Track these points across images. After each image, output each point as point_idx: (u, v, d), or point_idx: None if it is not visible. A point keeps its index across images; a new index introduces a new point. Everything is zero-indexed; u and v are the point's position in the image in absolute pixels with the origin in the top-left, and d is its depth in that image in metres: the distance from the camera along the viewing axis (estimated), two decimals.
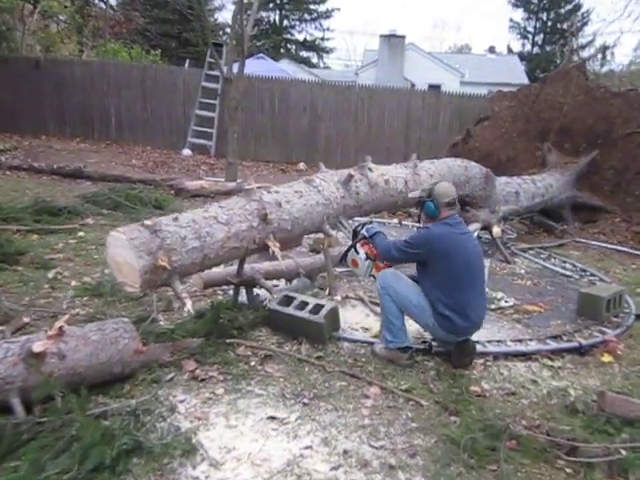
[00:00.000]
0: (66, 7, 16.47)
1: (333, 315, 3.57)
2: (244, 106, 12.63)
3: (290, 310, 3.56)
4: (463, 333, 3.30)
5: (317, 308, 3.54)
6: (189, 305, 2.89)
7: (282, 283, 4.54)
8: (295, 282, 4.57)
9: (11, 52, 14.44)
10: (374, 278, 3.55)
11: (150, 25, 23.78)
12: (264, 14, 40.65)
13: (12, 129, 12.65)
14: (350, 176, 3.89)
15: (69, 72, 13.13)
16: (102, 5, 20.36)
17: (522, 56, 33.96)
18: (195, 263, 2.91)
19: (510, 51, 36.96)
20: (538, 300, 4.71)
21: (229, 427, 2.60)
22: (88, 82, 13.11)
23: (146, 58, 17.48)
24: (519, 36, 37.64)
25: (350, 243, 3.59)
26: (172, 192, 8.31)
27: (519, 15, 37.72)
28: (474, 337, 3.68)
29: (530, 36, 37.22)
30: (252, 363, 3.22)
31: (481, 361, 3.45)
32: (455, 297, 3.20)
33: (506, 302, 4.52)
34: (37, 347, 2.51)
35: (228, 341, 3.42)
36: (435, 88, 19.59)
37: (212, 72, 12.39)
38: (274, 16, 41.01)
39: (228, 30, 8.99)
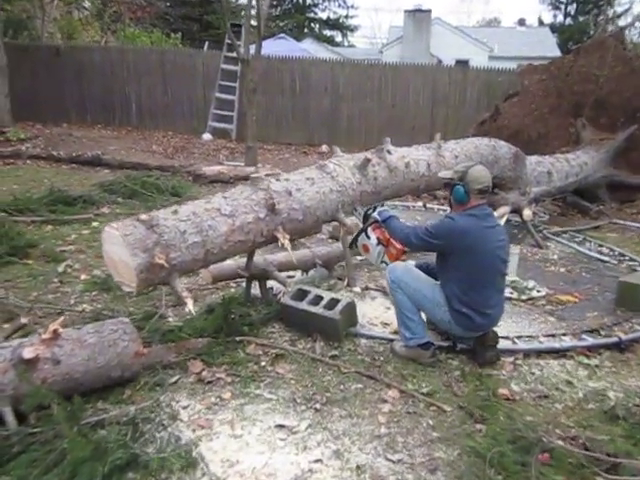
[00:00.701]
0: None
1: (350, 310, 3.34)
2: (264, 88, 12.39)
3: (304, 305, 3.34)
4: (482, 330, 3.07)
5: (332, 303, 3.31)
6: (190, 305, 2.69)
7: (298, 274, 4.33)
8: (312, 273, 4.35)
9: (32, 40, 14.43)
10: (385, 265, 3.30)
11: (171, 9, 23.58)
12: None
13: (34, 117, 12.65)
14: (367, 160, 3.62)
15: (88, 59, 13.03)
16: None
17: (554, 28, 32.69)
18: (197, 259, 2.70)
19: (541, 23, 35.60)
20: (572, 289, 4.39)
21: (234, 437, 2.41)
22: (108, 68, 13.01)
23: (166, 42, 17.29)
24: (550, 7, 36.35)
25: (361, 227, 3.33)
26: (190, 178, 8.15)
27: None
28: (504, 332, 3.43)
29: (562, 7, 35.81)
30: (262, 363, 3.02)
31: (510, 359, 3.18)
32: (471, 295, 2.97)
33: (538, 292, 4.21)
34: (28, 353, 2.35)
35: (238, 339, 3.23)
36: (463, 64, 18.96)
37: (231, 54, 12.10)
38: None
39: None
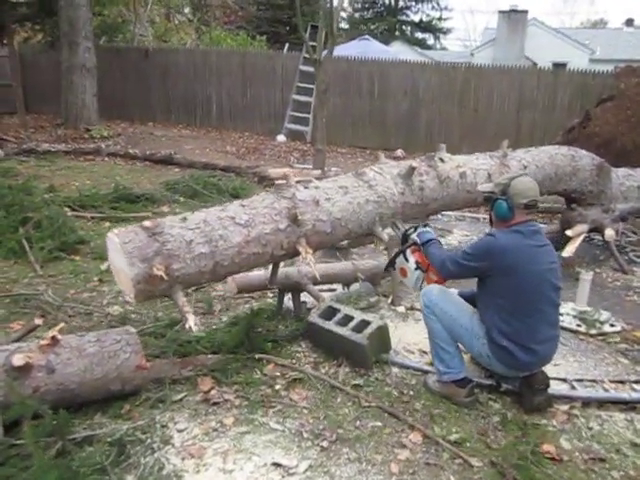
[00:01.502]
0: None
1: (381, 335, 3.00)
2: (341, 90, 12.17)
3: (330, 325, 3.05)
4: (527, 369, 2.64)
5: (362, 325, 2.99)
6: (191, 322, 2.49)
7: (340, 288, 4.04)
8: (354, 287, 4.05)
9: (126, 43, 15.16)
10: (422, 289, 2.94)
11: (261, 12, 24.04)
12: None
13: (122, 116, 13.26)
14: (412, 169, 3.25)
15: (174, 61, 13.45)
16: None
17: None
18: (203, 272, 2.49)
19: None
20: None
21: (223, 472, 2.17)
22: (191, 70, 13.34)
23: (251, 44, 17.56)
24: None
25: (399, 249, 2.99)
26: (255, 180, 8.09)
27: None
28: (562, 374, 2.96)
29: None
30: (277, 387, 2.77)
31: (565, 408, 2.70)
32: (513, 325, 2.56)
33: (612, 326, 3.64)
34: (17, 360, 2.25)
35: (258, 356, 3.00)
36: (560, 67, 17.71)
37: (309, 55, 12.00)
38: None
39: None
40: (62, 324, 2.65)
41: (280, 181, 2.93)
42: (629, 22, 30.94)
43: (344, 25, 37.13)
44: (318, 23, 12.07)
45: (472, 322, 2.65)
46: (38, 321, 2.83)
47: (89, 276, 4.21)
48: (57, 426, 2.20)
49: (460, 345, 2.73)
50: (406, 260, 2.94)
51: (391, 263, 3.03)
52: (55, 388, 2.35)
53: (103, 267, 4.38)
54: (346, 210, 2.95)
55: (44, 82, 13.34)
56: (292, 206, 2.73)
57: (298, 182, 3.07)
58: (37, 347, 2.39)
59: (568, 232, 4.69)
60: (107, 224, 5.60)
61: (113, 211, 5.94)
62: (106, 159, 9.10)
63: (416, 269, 2.90)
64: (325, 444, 2.35)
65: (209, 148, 10.93)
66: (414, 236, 2.92)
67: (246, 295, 3.90)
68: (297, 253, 2.79)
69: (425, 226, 2.97)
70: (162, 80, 13.46)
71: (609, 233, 4.83)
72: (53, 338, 2.40)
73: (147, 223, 2.44)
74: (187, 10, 22.29)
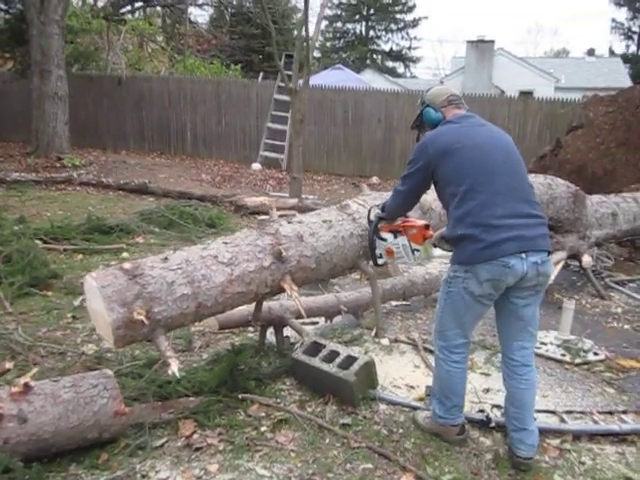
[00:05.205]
0: (151, 25, 16.96)
1: (367, 371, 2.93)
2: (316, 118, 12.27)
3: (316, 362, 2.97)
4: (503, 252, 2.23)
5: (348, 361, 2.92)
6: (174, 367, 2.38)
7: (322, 321, 3.97)
8: (337, 320, 3.99)
9: (99, 71, 15.05)
10: (418, 252, 2.90)
11: (234, 41, 24.24)
12: (350, 26, 40.65)
13: (95, 144, 13.09)
14: None
15: (148, 88, 13.41)
16: (191, 24, 20.90)
17: (626, 58, 31.24)
18: (186, 313, 2.40)
19: (612, 53, 34.17)
20: (638, 352, 3.79)
21: None
22: (165, 98, 13.31)
23: (226, 73, 17.63)
24: (622, 37, 34.84)
25: (369, 238, 2.97)
26: (232, 209, 8.01)
27: (623, 15, 34.98)
28: (551, 406, 2.92)
29: (635, 36, 34.27)
30: (263, 428, 2.66)
31: (556, 442, 2.66)
32: (467, 207, 2.28)
33: (595, 354, 3.64)
34: None
35: (241, 396, 2.89)
36: (527, 95, 18.24)
37: (284, 84, 12.10)
38: (360, 27, 40.89)
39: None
40: (35, 369, 2.51)
41: (263, 216, 2.87)
42: (590, 52, 32.29)
43: (316, 54, 37.86)
44: (292, 52, 12.24)
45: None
46: (9, 365, 2.69)
47: (62, 312, 4.05)
48: None
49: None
50: (384, 240, 2.91)
51: (374, 256, 2.98)
52: (27, 439, 2.20)
53: (76, 303, 4.25)
54: (331, 244, 2.91)
55: (14, 110, 13.11)
56: (276, 242, 2.67)
57: (281, 216, 3.02)
58: (8, 395, 2.25)
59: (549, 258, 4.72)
60: (80, 256, 5.45)
61: (86, 243, 5.78)
62: (78, 188, 8.94)
63: (395, 238, 2.86)
64: None
65: (184, 176, 10.84)
66: (372, 216, 2.94)
67: (226, 330, 3.80)
68: (282, 290, 2.73)
69: (377, 206, 3.00)
70: (136, 108, 13.38)
71: (586, 259, 4.89)
72: (25, 385, 2.27)
73: (127, 265, 2.34)
74: (160, 38, 22.37)
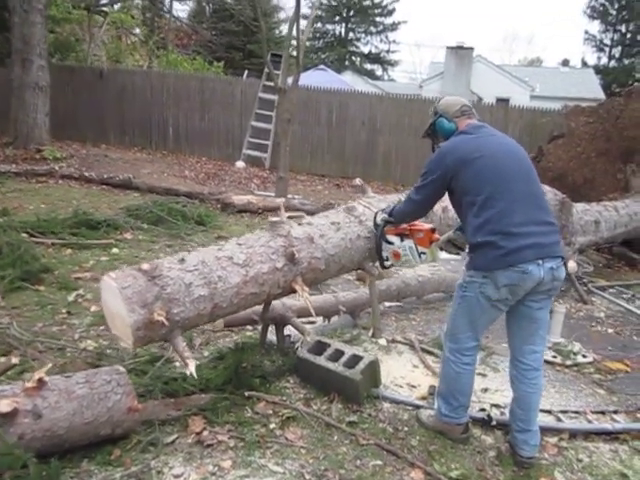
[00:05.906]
0: (133, 18, 16.73)
1: (372, 370, 2.99)
2: (301, 118, 12.29)
3: (321, 361, 3.01)
4: (522, 259, 2.32)
5: (354, 360, 2.98)
6: (192, 367, 2.40)
7: (320, 320, 4.01)
8: (335, 320, 4.04)
9: (79, 62, 14.79)
10: (425, 255, 2.98)
11: (216, 37, 24.08)
12: (330, 27, 40.82)
13: (74, 137, 12.82)
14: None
15: (130, 82, 13.22)
16: (172, 18, 20.70)
17: (597, 69, 32.16)
18: (202, 314, 2.42)
19: (585, 64, 35.12)
20: (623, 355, 3.95)
21: None
22: (148, 92, 13.15)
23: (208, 70, 17.52)
24: (595, 49, 35.84)
25: (376, 241, 3.04)
26: (218, 207, 7.98)
27: (595, 27, 36.09)
28: (547, 405, 3.03)
29: (607, 49, 35.31)
30: (271, 425, 2.69)
31: (554, 440, 2.77)
32: (486, 215, 2.35)
33: (584, 357, 3.78)
34: (5, 406, 2.09)
35: (247, 394, 2.91)
36: (503, 102, 18.62)
37: (270, 83, 12.08)
38: (340, 29, 41.09)
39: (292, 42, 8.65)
40: (49, 365, 2.49)
41: (273, 218, 2.89)
42: (565, 62, 33.09)
43: (294, 53, 37.92)
44: (278, 51, 12.24)
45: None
46: (15, 360, 2.66)
47: (56, 308, 3.99)
48: (47, 477, 2.06)
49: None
50: (391, 244, 2.97)
51: (381, 259, 3.05)
52: (41, 435, 2.19)
53: (70, 298, 4.20)
54: (339, 246, 2.95)
55: None
56: (288, 244, 2.71)
57: (290, 217, 3.05)
58: (22, 390, 2.23)
59: None
60: (69, 251, 5.37)
61: (74, 237, 5.69)
62: (60, 182, 8.77)
63: (402, 241, 2.93)
64: None
65: (167, 172, 10.74)
66: (379, 220, 3.00)
67: (225, 328, 3.81)
68: (293, 291, 2.76)
69: (383, 210, 3.05)
70: (117, 101, 13.17)
71: (571, 265, 5.05)
72: (39, 380, 2.26)
73: (145, 266, 2.34)
74: (138, 31, 22.06)
